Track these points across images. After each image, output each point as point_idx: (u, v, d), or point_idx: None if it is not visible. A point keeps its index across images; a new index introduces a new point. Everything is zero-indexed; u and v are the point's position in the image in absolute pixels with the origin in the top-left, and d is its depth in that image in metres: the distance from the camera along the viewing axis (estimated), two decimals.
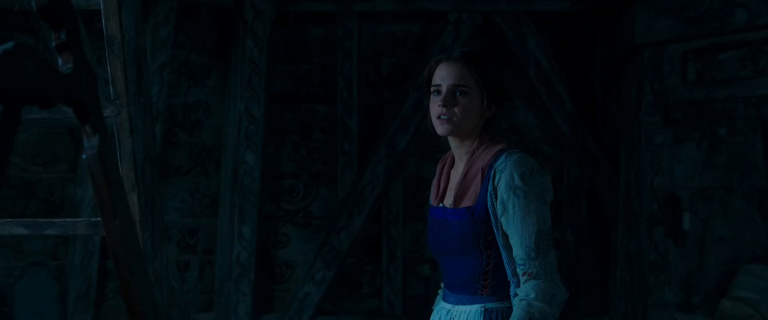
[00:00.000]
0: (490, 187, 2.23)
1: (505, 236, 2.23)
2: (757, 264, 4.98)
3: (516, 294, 2.21)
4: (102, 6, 3.06)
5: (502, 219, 2.22)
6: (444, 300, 2.37)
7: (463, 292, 2.30)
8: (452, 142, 2.34)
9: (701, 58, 4.94)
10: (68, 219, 3.32)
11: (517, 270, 2.21)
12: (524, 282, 2.17)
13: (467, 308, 2.28)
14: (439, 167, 2.44)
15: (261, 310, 5.76)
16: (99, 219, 3.38)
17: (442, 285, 2.48)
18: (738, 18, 4.70)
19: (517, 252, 2.20)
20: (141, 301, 1.75)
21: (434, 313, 2.43)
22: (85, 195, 5.08)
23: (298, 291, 5.73)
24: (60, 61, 1.70)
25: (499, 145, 2.30)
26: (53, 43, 1.73)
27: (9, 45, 1.54)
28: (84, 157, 1.75)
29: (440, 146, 5.62)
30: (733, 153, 5.13)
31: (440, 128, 2.28)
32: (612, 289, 5.51)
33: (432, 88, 2.32)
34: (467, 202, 2.26)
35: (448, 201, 2.32)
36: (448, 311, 2.32)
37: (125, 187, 3.28)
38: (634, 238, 5.16)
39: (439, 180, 2.40)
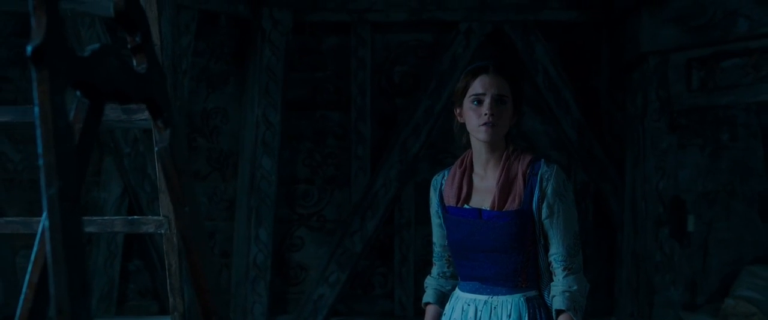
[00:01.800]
0: (537, 192, 2.45)
1: (544, 235, 2.47)
2: (759, 265, 5.12)
3: (550, 286, 2.46)
4: (114, 7, 3.23)
5: (546, 221, 2.45)
6: (470, 292, 2.54)
7: (501, 285, 2.49)
8: (484, 147, 2.50)
9: (705, 66, 5.07)
10: (106, 218, 3.49)
11: (556, 265, 2.45)
12: (564, 277, 2.42)
13: (508, 298, 2.48)
14: (458, 171, 2.57)
15: (276, 311, 5.91)
16: (135, 217, 3.55)
17: (438, 277, 2.71)
18: (740, 27, 4.85)
19: (559, 249, 2.45)
20: (208, 281, 1.92)
21: (455, 305, 2.58)
22: (109, 198, 5.24)
23: (312, 293, 5.88)
24: (134, 62, 1.88)
25: (528, 152, 2.52)
26: (129, 46, 1.91)
27: (96, 46, 1.72)
28: (156, 149, 1.93)
29: (452, 151, 5.78)
30: (735, 158, 5.27)
31: (484, 135, 2.45)
32: (618, 290, 5.66)
33: (471, 97, 2.48)
34: (512, 205, 2.45)
35: (485, 204, 2.49)
36: (486, 301, 2.50)
37: (162, 185, 3.45)
38: (640, 240, 5.31)
39: (461, 183, 2.54)
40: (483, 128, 2.44)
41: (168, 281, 3.46)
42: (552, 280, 2.48)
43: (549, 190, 2.45)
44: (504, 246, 2.45)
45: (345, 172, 5.99)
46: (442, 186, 2.64)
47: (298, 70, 5.93)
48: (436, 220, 2.69)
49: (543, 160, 2.51)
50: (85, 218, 3.81)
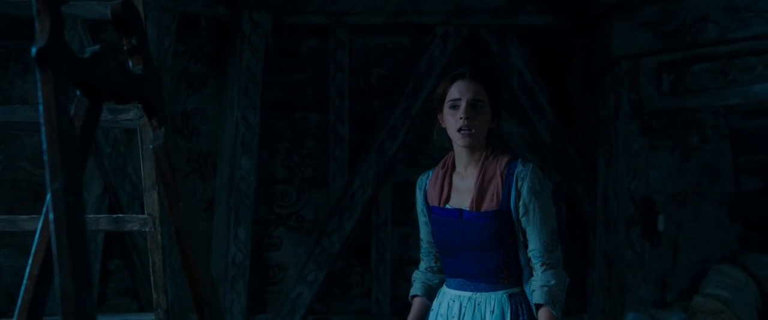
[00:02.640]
0: (514, 191, 2.54)
1: (523, 232, 2.55)
2: (726, 264, 5.26)
3: (530, 281, 2.54)
4: (111, 11, 3.29)
5: (523, 219, 2.53)
6: (455, 288, 2.65)
7: (484, 282, 2.58)
8: (464, 151, 2.61)
9: (675, 70, 5.19)
10: (91, 216, 3.55)
11: (535, 261, 2.53)
12: (543, 272, 2.51)
13: (492, 295, 2.57)
14: (440, 172, 2.68)
15: (254, 310, 5.97)
16: (120, 215, 3.61)
17: (425, 272, 2.81)
18: (709, 33, 4.97)
19: (536, 246, 2.53)
20: (201, 273, 2.00)
21: (442, 300, 2.69)
22: (89, 198, 5.28)
23: (291, 292, 5.95)
24: (130, 63, 1.96)
25: (506, 153, 2.62)
26: (125, 47, 1.99)
27: (96, 47, 1.80)
28: (151, 146, 2.01)
29: (428, 153, 5.89)
30: (704, 160, 5.39)
31: (463, 140, 2.55)
32: (590, 288, 5.78)
33: (449, 102, 2.58)
34: (490, 205, 2.55)
35: (465, 204, 2.59)
36: (470, 298, 2.60)
37: (147, 185, 3.52)
38: (612, 239, 5.44)
39: (443, 183, 2.66)
40: (460, 133, 2.53)
41: (152, 278, 3.53)
42: (530, 276, 2.56)
43: (524, 189, 2.53)
44: (485, 245, 2.54)
45: (323, 173, 6.07)
46: (427, 186, 2.72)
47: (277, 71, 6.00)
48: (422, 218, 2.78)
49: (520, 160, 2.60)
50: (101, 216, 3.86)
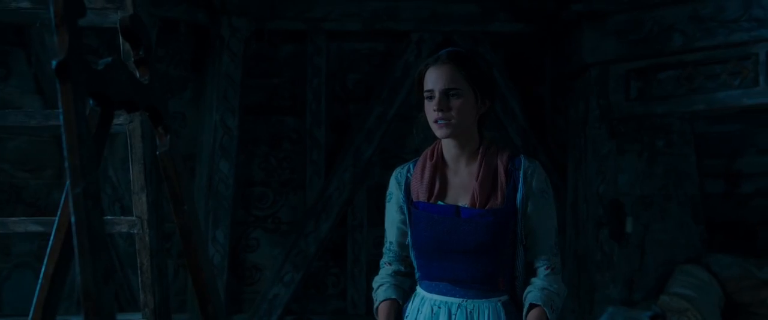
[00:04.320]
0: (522, 188, 2.30)
1: (527, 234, 2.32)
2: (691, 265, 5.39)
3: (525, 289, 2.32)
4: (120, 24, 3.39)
5: (531, 219, 2.30)
6: (440, 293, 2.37)
7: (477, 287, 2.32)
8: (451, 142, 2.36)
9: (642, 76, 5.32)
10: (109, 217, 3.62)
11: (539, 264, 2.32)
12: (546, 276, 2.31)
13: (485, 302, 2.32)
14: (428, 164, 2.39)
15: (232, 311, 6.06)
16: (109, 217, 3.69)
17: (395, 275, 2.48)
18: (675, 42, 5.12)
19: (542, 248, 2.32)
20: (204, 273, 2.11)
21: (421, 306, 2.40)
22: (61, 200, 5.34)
23: (268, 293, 6.04)
24: (138, 74, 2.07)
25: (504, 147, 2.40)
26: (133, 59, 2.10)
27: (108, 59, 1.92)
28: (158, 153, 2.11)
29: (403, 156, 6.00)
30: (670, 163, 5.50)
31: (440, 132, 2.30)
32: None
33: (424, 93, 2.33)
34: (494, 203, 2.29)
35: (463, 200, 2.33)
36: (460, 304, 2.33)
37: (135, 187, 3.61)
38: (581, 241, 5.58)
39: (434, 177, 2.37)
40: (436, 126, 2.31)
41: (140, 279, 3.61)
42: (528, 284, 2.35)
43: (534, 186, 2.32)
44: (483, 247, 2.28)
45: (300, 176, 6.17)
46: (409, 180, 2.44)
47: (255, 76, 6.09)
48: (397, 217, 2.45)
49: (522, 155, 2.38)
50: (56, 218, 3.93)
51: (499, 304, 2.33)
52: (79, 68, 1.76)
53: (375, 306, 2.49)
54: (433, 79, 2.32)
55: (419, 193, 2.38)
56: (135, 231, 3.54)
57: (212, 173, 5.86)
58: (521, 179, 2.32)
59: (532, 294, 2.30)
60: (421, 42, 6.07)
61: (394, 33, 6.10)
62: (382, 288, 2.49)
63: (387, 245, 2.53)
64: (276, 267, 6.07)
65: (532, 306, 2.29)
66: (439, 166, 2.41)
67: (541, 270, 2.33)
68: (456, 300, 2.34)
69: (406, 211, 2.42)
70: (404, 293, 2.49)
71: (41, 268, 5.01)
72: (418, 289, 2.44)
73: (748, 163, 5.67)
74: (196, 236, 2.10)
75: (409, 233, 2.42)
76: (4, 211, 5.23)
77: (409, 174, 2.46)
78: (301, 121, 6.14)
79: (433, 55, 2.40)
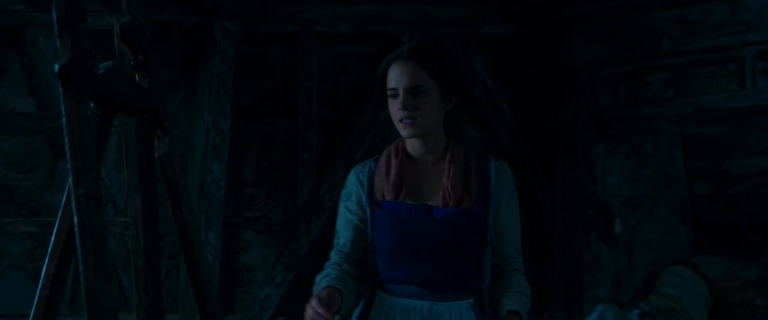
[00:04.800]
0: (494, 188, 2.25)
1: (496, 234, 2.28)
2: (679, 266, 5.43)
3: (497, 287, 2.28)
4: (115, 26, 3.43)
5: (498, 219, 2.26)
6: (407, 297, 2.26)
7: (446, 290, 2.23)
8: (417, 141, 2.28)
9: (631, 80, 5.38)
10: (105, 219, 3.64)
11: (506, 265, 2.29)
12: (517, 277, 2.29)
13: (455, 305, 2.24)
14: (394, 161, 2.30)
15: (223, 311, 6.08)
16: (128, 218, 3.70)
17: (344, 275, 2.31)
18: (663, 45, 5.18)
19: (509, 249, 2.29)
20: (202, 272, 2.15)
21: (389, 313, 2.28)
22: (63, 201, 5.36)
23: (259, 294, 6.06)
24: (137, 77, 2.10)
25: (471, 145, 2.38)
26: (132, 62, 2.13)
27: (109, 63, 1.95)
28: (156, 155, 2.15)
29: None
30: (658, 165, 5.56)
31: (405, 131, 2.22)
32: (550, 289, 5.97)
33: (388, 92, 2.26)
34: (467, 202, 2.22)
35: (433, 200, 2.24)
36: (430, 308, 2.23)
37: (130, 189, 3.64)
38: (570, 242, 5.62)
39: (401, 175, 2.27)
40: (401, 125, 2.23)
41: (134, 279, 3.64)
42: (495, 285, 2.30)
43: (502, 187, 2.27)
44: (455, 247, 2.21)
45: (291, 177, 6.19)
46: (371, 177, 2.36)
47: (247, 78, 6.11)
48: (354, 217, 2.35)
49: (489, 155, 2.35)
50: (52, 219, 3.96)
51: (467, 306, 2.25)
52: (81, 72, 1.79)
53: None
54: (397, 77, 2.23)
55: (385, 192, 2.28)
56: (129, 233, 3.57)
57: (204, 175, 5.89)
58: (492, 179, 2.26)
59: (508, 298, 2.23)
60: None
61: (385, 36, 6.12)
62: (326, 279, 2.32)
63: (338, 246, 2.39)
64: (267, 268, 6.10)
65: (510, 312, 2.21)
66: (405, 164, 2.31)
67: (509, 272, 2.29)
68: (426, 303, 2.24)
69: (368, 211, 2.31)
70: (349, 293, 2.28)
71: (33, 268, 5.03)
72: (381, 293, 2.31)
73: (736, 165, 5.72)
74: (195, 236, 2.14)
75: (369, 234, 2.31)
76: None
77: (371, 173, 2.36)
78: (293, 123, 6.15)
79: (395, 51, 2.31)
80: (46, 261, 1.89)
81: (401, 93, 2.22)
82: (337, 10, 6.06)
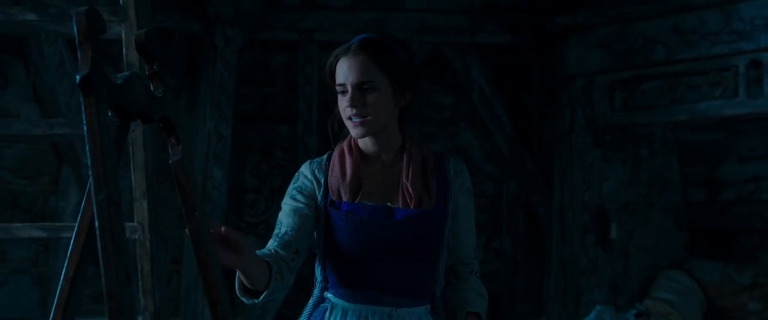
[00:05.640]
0: (454, 188, 2.14)
1: (453, 236, 2.16)
2: (674, 270, 5.52)
3: (454, 289, 2.17)
4: (123, 36, 3.51)
5: (458, 219, 2.15)
6: (363, 303, 2.10)
7: (406, 294, 2.10)
8: (370, 140, 2.13)
9: (626, 87, 5.47)
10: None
11: (463, 267, 2.17)
12: (473, 279, 2.16)
13: (414, 311, 2.11)
14: (348, 160, 2.15)
15: None
16: (135, 223, 3.78)
17: (281, 263, 2.09)
18: (658, 53, 5.28)
19: (466, 251, 2.17)
20: (214, 274, 2.22)
21: (336, 316, 2.13)
22: (67, 206, 5.45)
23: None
24: (151, 86, 2.18)
25: (426, 144, 2.21)
26: (147, 72, 2.21)
27: (126, 73, 2.03)
28: (170, 161, 2.22)
29: None
30: (653, 172, 5.64)
31: (355, 131, 2.09)
32: (547, 293, 6.06)
33: (337, 87, 2.09)
34: (428, 203, 2.09)
35: (392, 200, 2.10)
36: (389, 314, 2.09)
37: (137, 194, 3.72)
38: (567, 247, 5.71)
39: (357, 174, 2.12)
40: (350, 124, 2.09)
41: (140, 283, 3.72)
42: (448, 287, 2.18)
43: (463, 186, 2.16)
44: (417, 250, 2.08)
45: None
46: (325, 176, 2.18)
47: (248, 85, 6.20)
48: (305, 207, 2.16)
49: (444, 152, 2.22)
50: (59, 224, 4.04)
51: (425, 311, 2.12)
52: (101, 82, 1.86)
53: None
54: (345, 72, 2.06)
55: (341, 192, 2.11)
56: (136, 237, 3.65)
57: (205, 180, 5.97)
58: (451, 178, 2.14)
59: (468, 300, 2.13)
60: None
61: None
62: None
63: (278, 234, 2.19)
64: None
65: (470, 313, 2.11)
66: (361, 163, 2.14)
67: (465, 274, 2.17)
68: (384, 310, 2.08)
69: (322, 211, 2.14)
70: (280, 277, 2.05)
71: (37, 273, 5.09)
72: (331, 299, 2.16)
73: (729, 172, 5.81)
74: (207, 240, 2.21)
75: (317, 236, 2.17)
76: (1, 217, 5.32)
77: (324, 170, 2.20)
78: (293, 129, 6.24)
79: (345, 44, 2.13)
80: (65, 264, 1.96)
81: (349, 89, 2.05)
82: (337, 19, 6.14)
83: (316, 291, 2.27)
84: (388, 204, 2.09)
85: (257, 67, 6.24)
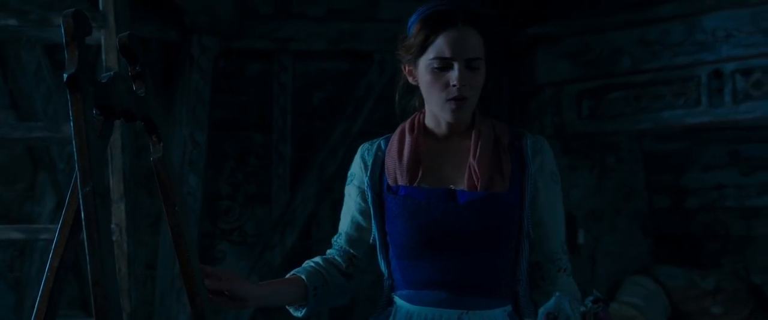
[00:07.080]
0: (530, 169, 1.86)
1: (535, 225, 1.88)
2: (640, 276, 5.63)
3: (531, 295, 1.91)
4: (102, 41, 3.60)
5: (540, 206, 1.86)
6: (430, 305, 1.86)
7: (478, 294, 1.82)
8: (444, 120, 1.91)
9: (594, 96, 5.57)
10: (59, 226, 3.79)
11: (551, 265, 1.88)
12: (563, 278, 1.87)
13: (489, 313, 1.83)
14: (408, 139, 1.91)
15: None
16: (113, 225, 3.84)
17: (330, 269, 2.02)
18: (624, 64, 5.39)
19: (551, 245, 1.88)
20: (193, 269, 2.31)
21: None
22: (43, 211, 5.48)
23: None
24: (134, 87, 2.27)
25: (496, 119, 1.99)
26: (130, 73, 2.30)
27: (111, 73, 2.13)
28: (152, 159, 2.32)
29: None
30: (619, 179, 5.76)
31: (455, 114, 1.85)
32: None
33: (434, 61, 1.82)
34: (500, 185, 1.81)
35: (457, 183, 1.86)
36: (459, 317, 1.82)
37: (115, 196, 3.80)
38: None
39: (417, 155, 1.89)
40: (449, 104, 1.83)
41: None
42: (534, 288, 1.91)
43: (543, 167, 1.88)
44: (486, 240, 1.81)
45: (266, 190, 6.34)
46: (380, 159, 1.97)
47: (223, 93, 6.25)
48: (354, 205, 2.01)
49: (521, 129, 1.99)
50: (37, 226, 4.11)
51: (505, 315, 1.84)
52: (87, 81, 1.96)
53: None
54: (455, 46, 1.80)
55: (398, 176, 1.89)
56: (113, 239, 3.73)
57: (181, 187, 6.01)
58: (528, 158, 1.87)
59: (563, 304, 1.79)
60: (384, 62, 6.28)
61: (357, 53, 6.30)
62: (298, 268, 2.01)
63: (336, 237, 2.08)
64: (242, 278, 6.21)
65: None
66: (422, 142, 1.91)
67: (554, 273, 1.87)
68: (455, 312, 1.83)
69: (370, 200, 1.95)
70: (326, 286, 1.99)
71: (13, 278, 5.15)
72: (398, 302, 1.93)
73: (693, 180, 5.95)
74: (187, 236, 2.30)
75: (373, 229, 1.96)
76: None
77: (380, 153, 1.98)
78: (268, 137, 6.30)
79: (432, 7, 1.88)
80: (50, 255, 2.04)
81: (457, 65, 1.80)
82: (312, 29, 6.24)
83: (385, 290, 2.00)
84: (451, 187, 1.85)
85: (233, 76, 6.31)
